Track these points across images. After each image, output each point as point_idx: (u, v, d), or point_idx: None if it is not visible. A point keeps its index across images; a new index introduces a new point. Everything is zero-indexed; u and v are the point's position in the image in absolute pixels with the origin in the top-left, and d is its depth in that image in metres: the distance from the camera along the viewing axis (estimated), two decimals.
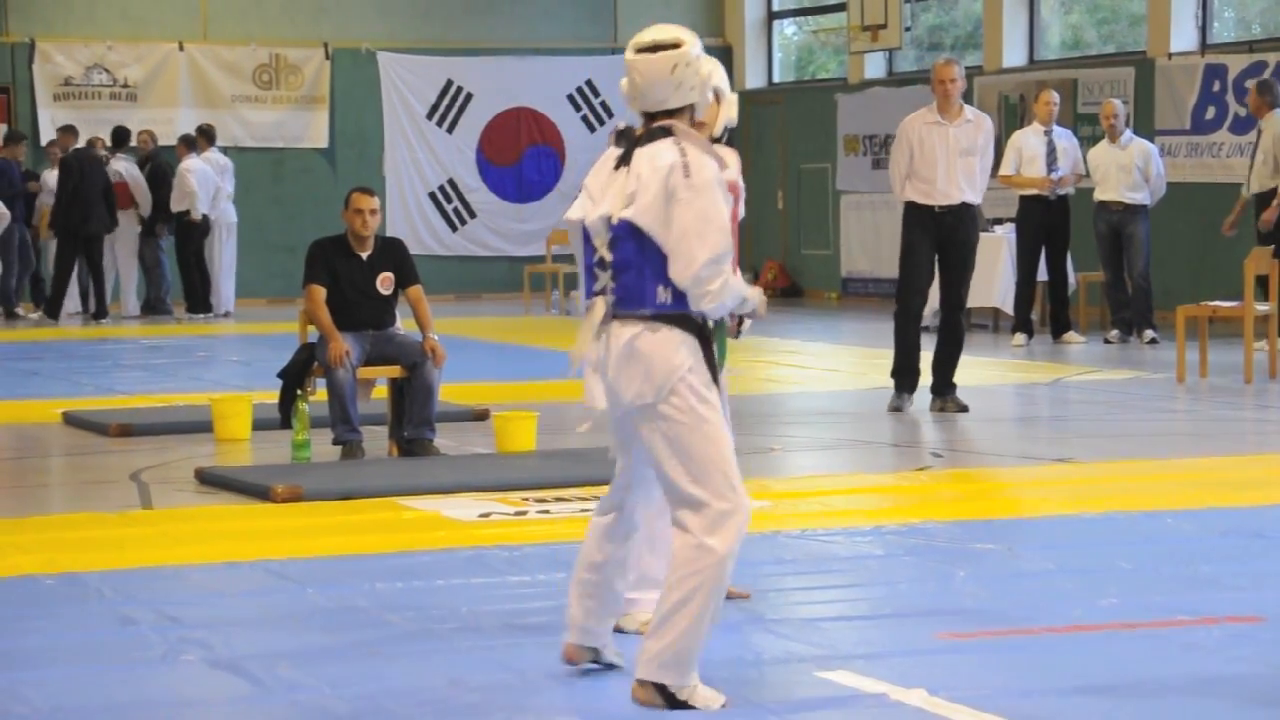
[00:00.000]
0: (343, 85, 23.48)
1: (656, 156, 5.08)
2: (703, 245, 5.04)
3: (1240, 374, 13.28)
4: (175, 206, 20.81)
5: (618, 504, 5.39)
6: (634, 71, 5.18)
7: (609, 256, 5.16)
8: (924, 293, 11.66)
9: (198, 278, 21.04)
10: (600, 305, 5.16)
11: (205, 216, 20.87)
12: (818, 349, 16.61)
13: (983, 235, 17.36)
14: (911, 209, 11.58)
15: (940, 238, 11.51)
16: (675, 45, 5.17)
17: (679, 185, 5.04)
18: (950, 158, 11.48)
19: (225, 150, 21.95)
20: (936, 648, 5.78)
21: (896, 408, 11.55)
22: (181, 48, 22.94)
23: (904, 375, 11.65)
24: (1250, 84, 16.57)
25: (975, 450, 10.27)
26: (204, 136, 21.23)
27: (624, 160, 5.16)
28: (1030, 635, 5.94)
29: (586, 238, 5.23)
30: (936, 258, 11.55)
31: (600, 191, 5.20)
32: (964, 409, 11.55)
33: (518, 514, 8.20)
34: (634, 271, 5.11)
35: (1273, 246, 13.83)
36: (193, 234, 20.88)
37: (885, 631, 6.06)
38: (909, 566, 7.15)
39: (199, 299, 21.06)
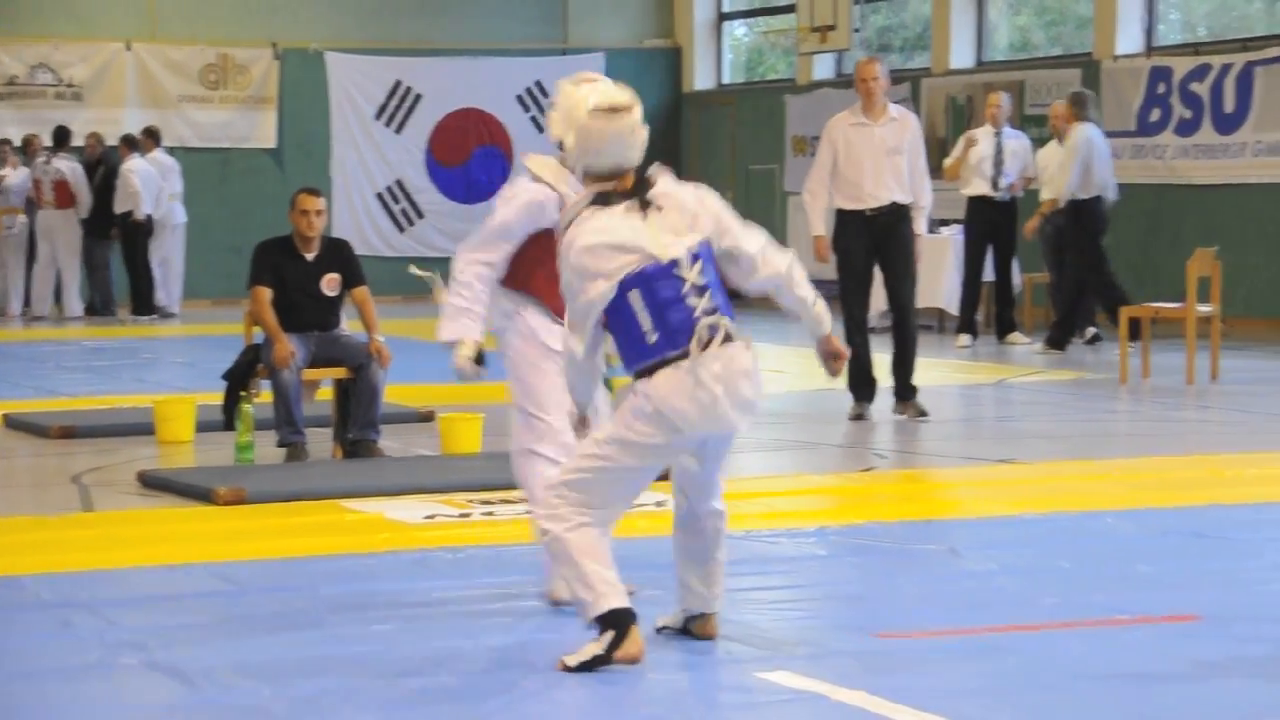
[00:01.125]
0: (291, 85, 23.41)
1: (678, 186, 5.60)
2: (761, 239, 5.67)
3: (1182, 375, 13.36)
4: (119, 208, 20.72)
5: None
6: (607, 134, 5.54)
7: (702, 281, 5.47)
8: (867, 300, 11.36)
9: (143, 279, 20.95)
10: (724, 327, 5.47)
11: (149, 217, 20.78)
12: (764, 350, 16.62)
13: (928, 236, 17.53)
14: (842, 216, 11.25)
15: (875, 241, 11.19)
16: (632, 108, 5.60)
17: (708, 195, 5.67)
18: (877, 158, 11.18)
19: (172, 150, 21.86)
20: (878, 648, 5.79)
21: (858, 415, 11.28)
22: (129, 47, 22.83)
23: (861, 386, 11.34)
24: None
25: (918, 451, 10.31)
26: (150, 137, 21.14)
27: (644, 205, 5.53)
28: (971, 635, 5.97)
29: (649, 279, 5.42)
30: (876, 262, 11.27)
31: (639, 238, 5.46)
32: (923, 414, 11.29)
33: (462, 516, 8.19)
34: (717, 289, 5.50)
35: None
36: (137, 235, 20.80)
37: (827, 632, 6.08)
38: (851, 567, 7.18)
39: (143, 301, 20.97)
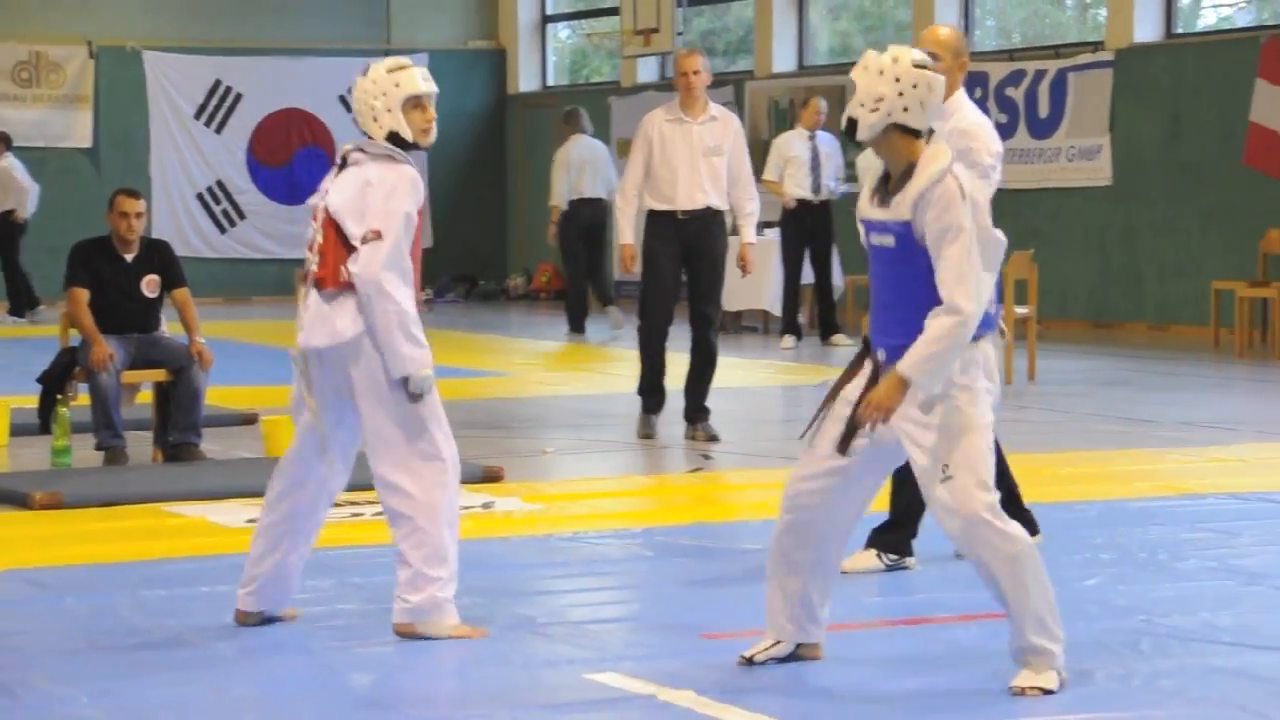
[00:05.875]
0: (107, 84, 23.04)
1: None
2: None
3: (1001, 376, 13.55)
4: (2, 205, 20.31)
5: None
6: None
7: None
8: (670, 309, 10.57)
9: (19, 278, 20.51)
10: None
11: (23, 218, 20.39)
12: (597, 351, 16.66)
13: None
14: (652, 217, 10.48)
15: (685, 247, 10.42)
16: None
17: None
18: (694, 158, 10.35)
19: None
20: (705, 648, 5.82)
21: (647, 434, 10.64)
22: None
23: (651, 395, 10.67)
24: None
25: (744, 452, 10.37)
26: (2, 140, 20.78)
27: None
28: None
29: None
30: (684, 270, 10.52)
31: None
32: (714, 439, 10.50)
33: None
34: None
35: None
36: (16, 234, 20.39)
37: (654, 633, 6.10)
38: (678, 568, 7.21)
39: (27, 299, 20.50)
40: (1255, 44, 16.41)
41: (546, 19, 24.71)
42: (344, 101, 23.87)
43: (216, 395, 10.95)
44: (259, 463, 9.74)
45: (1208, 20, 18.81)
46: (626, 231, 10.69)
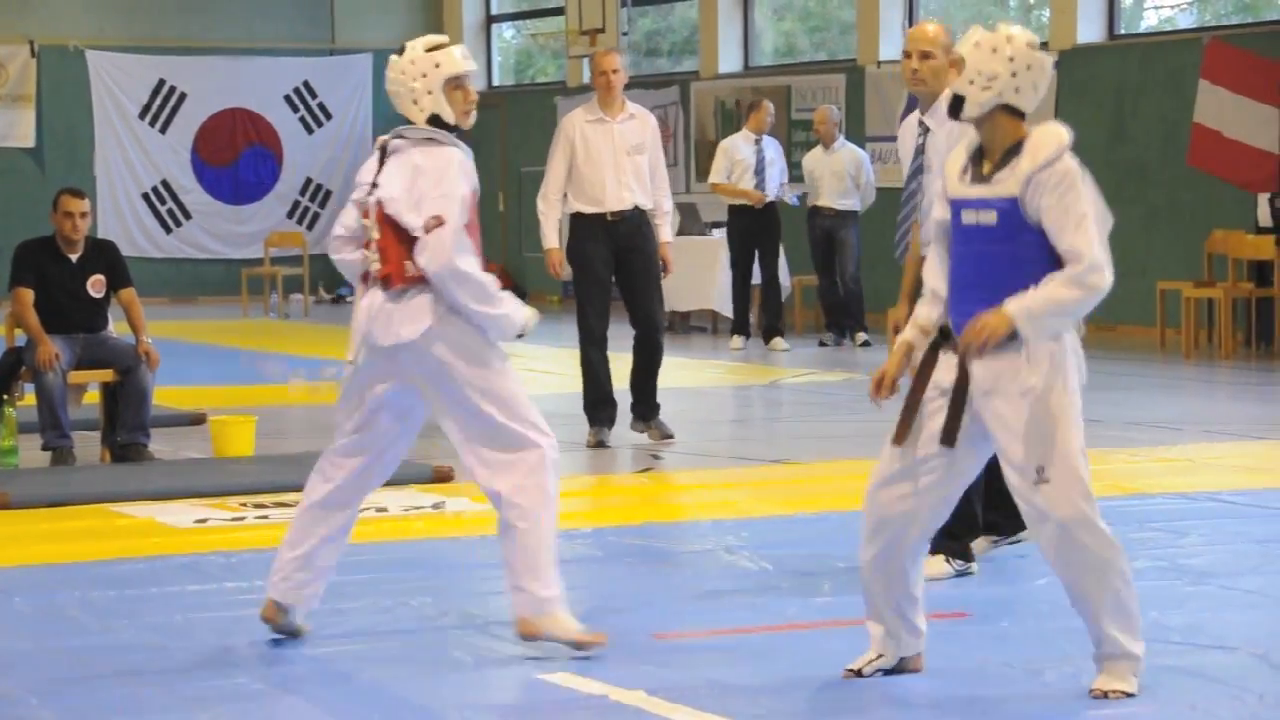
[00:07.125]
0: (50, 83, 22.90)
1: None
2: None
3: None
4: None
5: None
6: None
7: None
8: (605, 314, 10.38)
9: None
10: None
11: None
12: (539, 351, 16.65)
13: (700, 238, 17.70)
14: (580, 221, 10.29)
15: (616, 248, 10.25)
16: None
17: None
18: (619, 157, 10.23)
19: None
20: (656, 648, 5.83)
21: (598, 443, 10.41)
22: None
23: (599, 408, 10.48)
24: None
25: (694, 452, 10.39)
26: None
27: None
28: (748, 634, 6.03)
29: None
30: (615, 272, 10.32)
31: None
32: (669, 437, 10.50)
33: (235, 519, 8.08)
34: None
35: None
36: None
37: (605, 633, 6.09)
38: (628, 568, 7.22)
39: None
40: (1198, 45, 16.52)
41: (491, 19, 24.69)
42: (289, 101, 23.82)
43: (164, 395, 10.91)
44: (207, 463, 9.72)
45: (1150, 21, 18.93)
46: (551, 236, 10.40)
